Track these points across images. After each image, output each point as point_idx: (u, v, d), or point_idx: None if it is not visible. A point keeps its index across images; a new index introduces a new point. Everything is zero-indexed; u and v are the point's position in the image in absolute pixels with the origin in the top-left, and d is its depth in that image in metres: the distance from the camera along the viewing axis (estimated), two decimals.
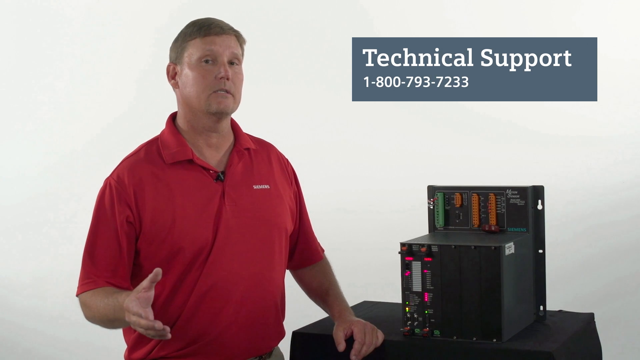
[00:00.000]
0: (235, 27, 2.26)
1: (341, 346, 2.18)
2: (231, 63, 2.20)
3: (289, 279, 2.41)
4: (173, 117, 2.28)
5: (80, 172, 4.69)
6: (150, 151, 2.21)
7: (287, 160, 2.41)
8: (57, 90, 4.81)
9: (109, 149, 4.43)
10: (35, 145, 4.83)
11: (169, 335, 1.91)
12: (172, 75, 2.24)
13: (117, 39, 4.75)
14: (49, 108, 4.82)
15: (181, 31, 2.24)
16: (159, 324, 1.88)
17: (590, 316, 2.43)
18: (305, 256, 2.43)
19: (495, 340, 2.12)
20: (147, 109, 4.56)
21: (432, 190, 2.40)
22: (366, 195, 4.44)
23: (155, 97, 4.49)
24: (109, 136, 4.65)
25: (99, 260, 2.14)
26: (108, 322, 2.09)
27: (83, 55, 4.78)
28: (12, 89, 4.87)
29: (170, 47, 2.25)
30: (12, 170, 4.84)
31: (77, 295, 2.16)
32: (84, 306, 2.14)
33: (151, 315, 1.90)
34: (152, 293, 1.92)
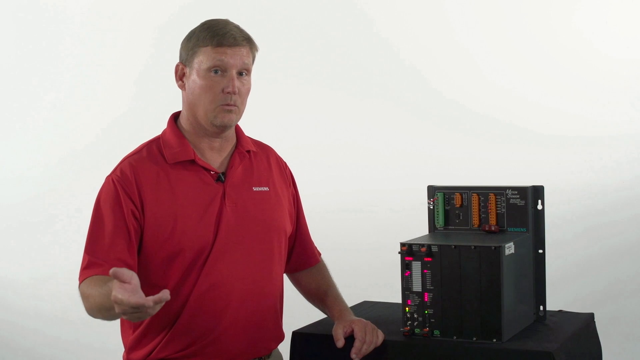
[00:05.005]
0: (236, 24, 2.24)
1: (340, 342, 2.18)
2: (240, 74, 2.20)
3: (287, 281, 2.41)
4: (175, 117, 2.28)
5: (80, 172, 4.69)
6: (151, 150, 2.21)
7: (286, 163, 2.42)
8: (57, 90, 4.81)
9: (109, 148, 4.44)
10: (35, 145, 4.83)
11: (168, 295, 1.78)
12: (180, 76, 2.23)
13: (117, 39, 4.75)
14: (49, 108, 4.82)
15: (195, 31, 2.21)
16: (148, 301, 1.76)
17: (590, 316, 2.43)
18: (302, 259, 2.43)
19: (495, 340, 2.12)
20: (146, 109, 4.56)
21: (432, 190, 2.40)
22: (366, 195, 4.44)
23: (154, 97, 4.50)
24: (109, 136, 4.65)
25: (107, 246, 2.09)
26: (105, 311, 1.99)
27: (83, 55, 4.78)
28: (12, 89, 4.87)
29: (181, 45, 2.23)
30: (12, 170, 4.84)
31: (79, 286, 2.10)
32: (83, 298, 2.08)
33: (142, 299, 1.77)
34: (136, 281, 1.81)
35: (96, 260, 2.10)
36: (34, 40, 4.82)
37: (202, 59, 2.17)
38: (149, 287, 2.13)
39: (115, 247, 2.10)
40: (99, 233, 2.13)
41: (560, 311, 2.46)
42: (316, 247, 2.49)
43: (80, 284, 2.11)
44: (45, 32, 4.80)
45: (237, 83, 2.17)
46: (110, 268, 1.92)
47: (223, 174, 2.22)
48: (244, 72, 2.20)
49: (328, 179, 4.37)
